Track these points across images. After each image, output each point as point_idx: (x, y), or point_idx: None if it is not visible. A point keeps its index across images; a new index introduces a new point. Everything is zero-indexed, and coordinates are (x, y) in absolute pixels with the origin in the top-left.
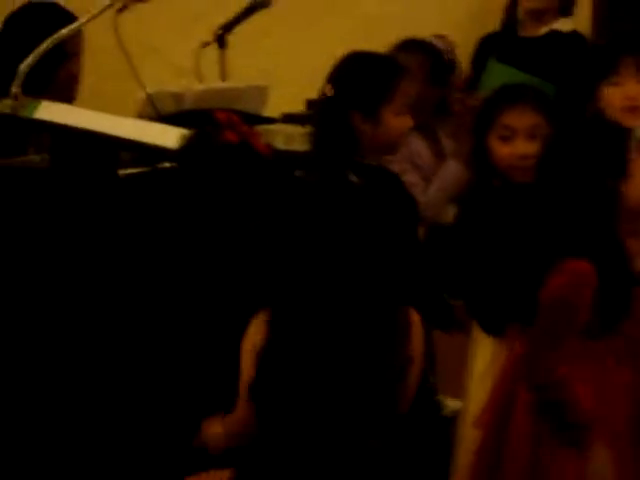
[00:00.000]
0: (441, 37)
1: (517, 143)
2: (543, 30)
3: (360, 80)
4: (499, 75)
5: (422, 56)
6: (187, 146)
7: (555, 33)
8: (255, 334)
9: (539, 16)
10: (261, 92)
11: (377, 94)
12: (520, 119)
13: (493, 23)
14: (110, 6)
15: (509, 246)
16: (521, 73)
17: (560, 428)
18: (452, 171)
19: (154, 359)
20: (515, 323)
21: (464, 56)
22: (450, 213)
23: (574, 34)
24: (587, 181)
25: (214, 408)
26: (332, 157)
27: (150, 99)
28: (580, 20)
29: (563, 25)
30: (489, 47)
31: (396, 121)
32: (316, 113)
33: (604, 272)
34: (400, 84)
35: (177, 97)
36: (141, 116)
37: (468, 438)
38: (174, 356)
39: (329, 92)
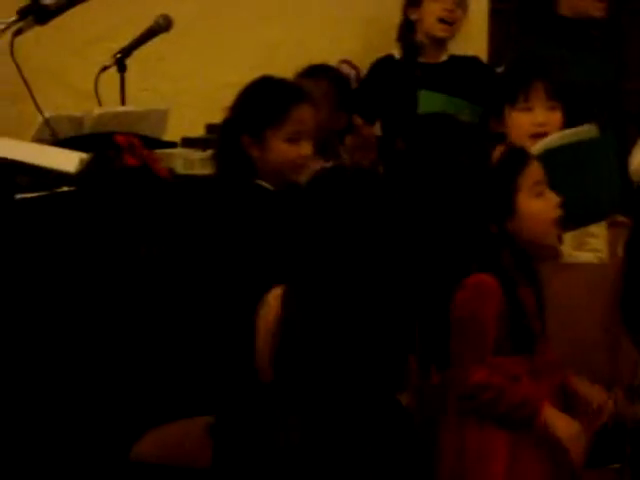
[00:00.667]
0: (347, 62)
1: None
2: (444, 56)
3: (250, 103)
4: (432, 103)
5: (327, 82)
6: (86, 170)
7: (457, 58)
8: (268, 313)
9: (441, 44)
10: (161, 116)
11: (263, 117)
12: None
13: (383, 51)
14: (7, 29)
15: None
16: (453, 99)
17: (505, 422)
18: None
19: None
20: None
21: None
22: None
23: (474, 59)
24: (472, 227)
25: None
26: (230, 180)
27: (48, 123)
28: (476, 46)
29: (459, 50)
30: (382, 72)
31: (285, 147)
32: (217, 137)
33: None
34: (293, 110)
35: (76, 121)
36: (39, 140)
37: None
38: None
39: (227, 115)
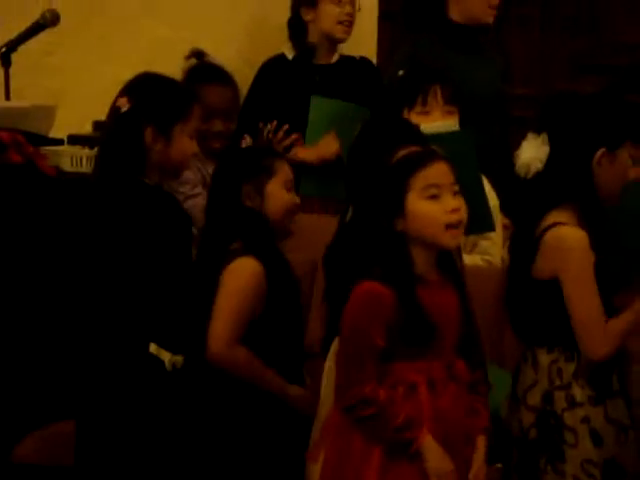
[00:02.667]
0: None
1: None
2: (335, 57)
3: (158, 96)
4: (325, 108)
5: (230, 90)
6: None
7: (347, 59)
8: None
9: (334, 45)
10: (48, 112)
11: (173, 111)
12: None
13: (273, 50)
14: None
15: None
16: (341, 103)
17: (382, 441)
18: None
19: None
20: None
21: (246, 83)
22: None
23: (364, 60)
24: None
25: None
26: (115, 173)
27: None
28: (366, 47)
29: (348, 51)
30: (275, 73)
31: (187, 143)
32: (108, 126)
33: (401, 295)
34: (195, 108)
35: None
36: None
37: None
38: None
39: (124, 106)
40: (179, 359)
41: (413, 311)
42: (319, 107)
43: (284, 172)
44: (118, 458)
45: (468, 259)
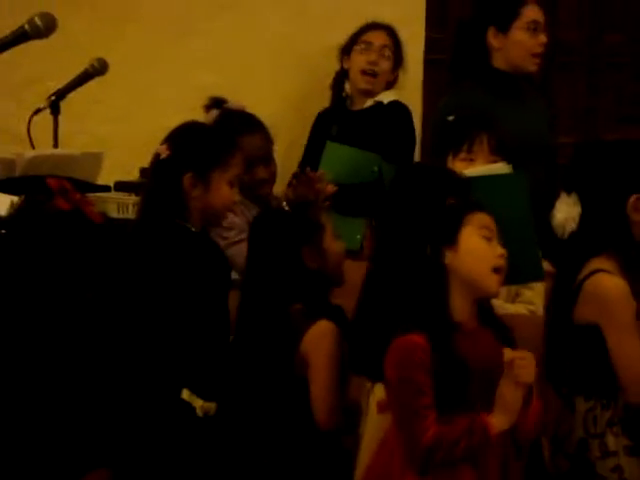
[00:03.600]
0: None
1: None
2: (369, 102)
3: (197, 143)
4: (331, 153)
5: (264, 137)
6: (17, 213)
7: (379, 105)
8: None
9: (368, 94)
10: (95, 159)
11: (212, 158)
12: None
13: (319, 98)
14: None
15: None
16: (349, 148)
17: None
18: None
19: None
20: None
21: (295, 131)
22: None
23: (395, 103)
24: (411, 249)
25: None
26: (156, 218)
27: None
28: (411, 96)
29: (385, 97)
30: (322, 123)
31: (226, 190)
32: (149, 172)
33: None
34: (234, 155)
35: (7, 163)
36: None
37: None
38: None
39: (164, 153)
40: (212, 406)
41: (449, 359)
42: (333, 152)
43: (330, 222)
44: None
45: (512, 308)
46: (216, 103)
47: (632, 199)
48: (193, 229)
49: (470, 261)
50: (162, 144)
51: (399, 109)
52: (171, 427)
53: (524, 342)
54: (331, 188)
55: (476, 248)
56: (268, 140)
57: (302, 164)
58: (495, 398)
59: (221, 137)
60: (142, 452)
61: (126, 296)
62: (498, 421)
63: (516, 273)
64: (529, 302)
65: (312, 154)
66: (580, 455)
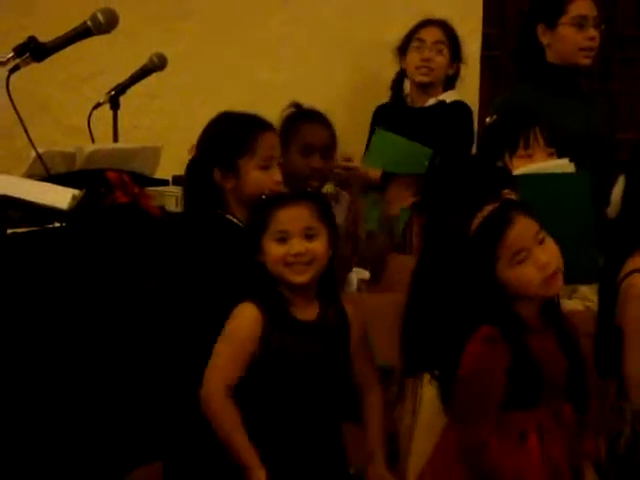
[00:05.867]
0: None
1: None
2: (430, 101)
3: (217, 137)
4: (380, 141)
5: (325, 128)
6: (77, 206)
7: (441, 103)
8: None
9: (425, 89)
10: (153, 153)
11: (233, 148)
12: (296, 219)
13: (373, 97)
14: (2, 65)
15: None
16: (400, 138)
17: None
18: None
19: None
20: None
21: (347, 127)
22: (354, 277)
23: (457, 103)
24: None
25: None
26: (199, 213)
27: (41, 158)
28: (468, 92)
29: (448, 96)
30: (380, 117)
31: (258, 175)
32: (185, 175)
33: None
34: (260, 138)
35: (68, 157)
36: (31, 175)
37: None
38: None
39: (191, 153)
40: None
41: (524, 359)
42: (380, 139)
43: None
44: None
45: (569, 305)
46: (294, 106)
47: None
48: (235, 220)
49: (518, 289)
50: (194, 144)
51: (461, 108)
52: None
53: (581, 339)
54: (374, 173)
55: (517, 279)
56: (331, 135)
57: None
58: None
59: (240, 124)
60: (193, 444)
61: (177, 287)
62: None
63: (572, 272)
64: (585, 298)
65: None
66: (629, 458)
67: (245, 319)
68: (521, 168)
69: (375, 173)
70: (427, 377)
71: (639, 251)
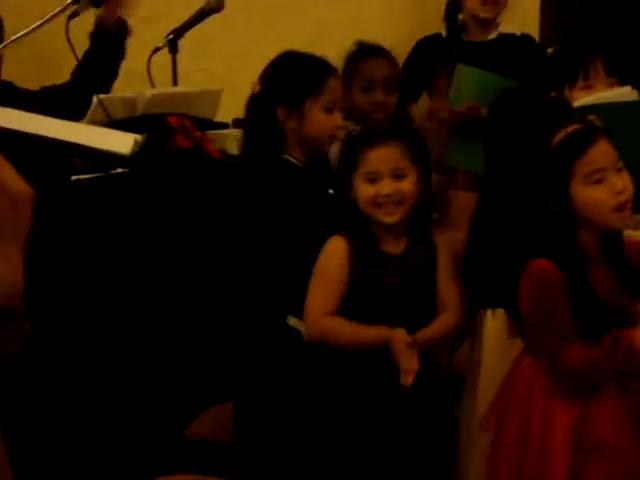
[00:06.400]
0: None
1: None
2: (492, 34)
3: (286, 74)
4: (469, 77)
5: (387, 62)
6: (139, 151)
7: (506, 36)
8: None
9: (486, 23)
10: (213, 97)
11: (301, 87)
12: (385, 160)
13: (435, 31)
14: (61, 11)
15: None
16: (490, 74)
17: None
18: None
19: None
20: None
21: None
22: None
23: (526, 37)
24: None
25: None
26: (257, 153)
27: (101, 104)
28: (527, 23)
29: (509, 29)
30: (429, 51)
31: (322, 117)
32: (246, 110)
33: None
34: (327, 81)
35: (129, 102)
36: (92, 121)
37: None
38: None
39: (257, 89)
40: None
41: (584, 293)
42: (464, 75)
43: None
44: (274, 434)
45: (636, 236)
46: (358, 43)
47: None
48: (294, 160)
49: (587, 211)
50: (257, 81)
51: (531, 43)
52: (282, 354)
53: None
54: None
55: (590, 199)
56: (393, 69)
57: (403, 90)
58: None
59: (310, 64)
60: (259, 382)
61: (234, 228)
62: None
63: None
64: None
65: (414, 80)
66: None
67: (334, 253)
68: (581, 99)
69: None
70: (490, 312)
71: None
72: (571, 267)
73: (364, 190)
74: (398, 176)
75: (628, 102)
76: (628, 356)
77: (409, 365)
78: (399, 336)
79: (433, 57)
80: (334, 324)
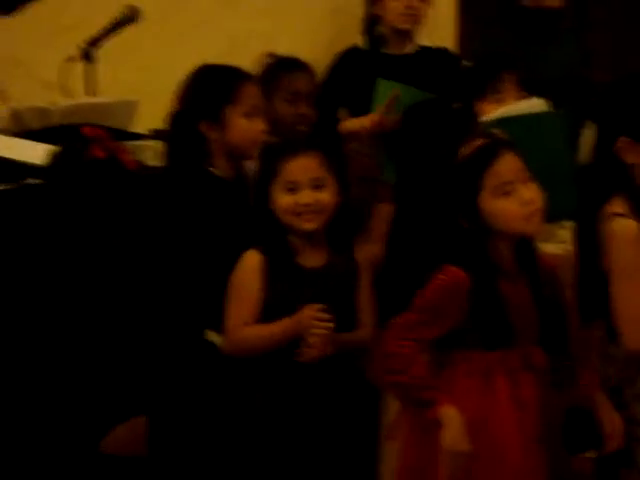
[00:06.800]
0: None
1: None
2: (409, 48)
3: (201, 88)
4: (389, 91)
5: (310, 75)
6: (54, 162)
7: (424, 49)
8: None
9: (404, 35)
10: (130, 107)
11: (218, 97)
12: (304, 170)
13: (350, 42)
14: None
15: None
16: (409, 87)
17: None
18: None
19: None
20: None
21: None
22: None
23: (443, 50)
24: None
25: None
26: (182, 166)
27: (15, 114)
28: (444, 36)
29: (426, 42)
30: (352, 63)
31: (243, 123)
32: (168, 128)
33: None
34: (243, 87)
35: (43, 112)
36: (6, 131)
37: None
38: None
39: (174, 106)
40: None
41: (491, 302)
42: (384, 89)
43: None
44: (186, 446)
45: (547, 248)
46: (271, 56)
47: (620, 141)
48: (217, 172)
49: (497, 222)
50: (176, 99)
51: (449, 55)
52: (199, 368)
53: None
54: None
55: (499, 211)
56: (313, 81)
57: (323, 103)
58: None
59: (222, 74)
60: (174, 396)
61: (153, 240)
62: (450, 423)
63: (552, 211)
64: (562, 241)
65: (333, 93)
66: (614, 400)
67: (248, 266)
68: (492, 112)
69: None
70: None
71: (614, 197)
72: (481, 277)
73: (283, 199)
74: (317, 186)
75: (539, 113)
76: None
77: (315, 340)
78: (309, 309)
79: (354, 70)
80: (249, 332)
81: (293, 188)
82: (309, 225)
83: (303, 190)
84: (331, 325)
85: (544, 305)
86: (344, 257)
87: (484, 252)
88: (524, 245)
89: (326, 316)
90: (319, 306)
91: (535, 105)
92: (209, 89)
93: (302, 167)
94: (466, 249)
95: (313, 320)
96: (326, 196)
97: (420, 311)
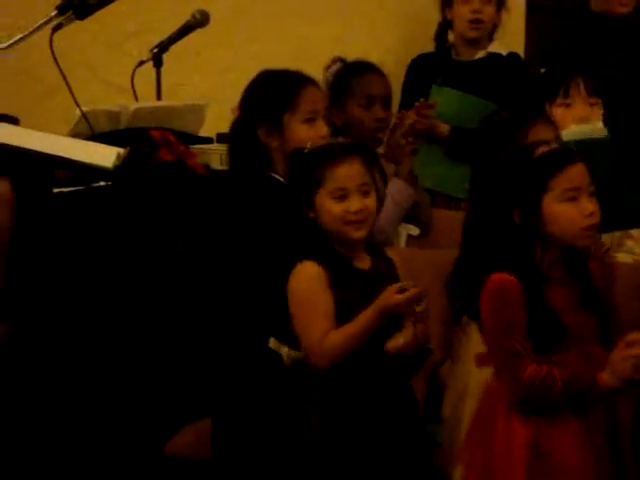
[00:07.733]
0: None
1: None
2: (480, 54)
3: (259, 94)
4: (443, 97)
5: (383, 78)
6: (122, 165)
7: (493, 56)
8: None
9: (473, 42)
10: (198, 111)
11: (276, 104)
12: (352, 176)
13: (421, 48)
14: (46, 24)
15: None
16: (468, 95)
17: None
18: (399, 189)
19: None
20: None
21: (393, 80)
22: (403, 233)
23: (512, 56)
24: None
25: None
26: (245, 172)
27: (85, 117)
28: (513, 43)
29: (498, 48)
30: (421, 70)
31: (303, 129)
32: (230, 136)
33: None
34: (302, 92)
35: (112, 115)
36: (76, 134)
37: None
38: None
39: (234, 113)
40: (299, 354)
41: (541, 310)
42: (444, 97)
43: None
44: (249, 451)
45: (619, 257)
46: (339, 60)
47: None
48: (280, 178)
49: (557, 227)
50: (237, 105)
51: (519, 61)
52: (262, 376)
53: (628, 287)
54: (444, 127)
55: (561, 215)
56: (387, 84)
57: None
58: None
59: (280, 79)
60: (237, 401)
61: (220, 244)
62: (608, 377)
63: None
64: (630, 251)
65: (410, 100)
66: None
67: (313, 279)
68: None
69: (443, 127)
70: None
71: None
72: (529, 282)
73: (332, 208)
74: (365, 192)
75: (593, 139)
76: (589, 385)
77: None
78: (388, 292)
79: (424, 77)
80: (337, 338)
81: (343, 195)
82: (358, 234)
83: (352, 197)
84: (425, 299)
85: (599, 308)
86: (382, 259)
87: (530, 256)
88: (573, 252)
89: (417, 291)
90: (399, 284)
91: (593, 130)
92: (268, 95)
93: (350, 173)
94: (514, 251)
95: (400, 297)
96: (372, 202)
97: (500, 336)
